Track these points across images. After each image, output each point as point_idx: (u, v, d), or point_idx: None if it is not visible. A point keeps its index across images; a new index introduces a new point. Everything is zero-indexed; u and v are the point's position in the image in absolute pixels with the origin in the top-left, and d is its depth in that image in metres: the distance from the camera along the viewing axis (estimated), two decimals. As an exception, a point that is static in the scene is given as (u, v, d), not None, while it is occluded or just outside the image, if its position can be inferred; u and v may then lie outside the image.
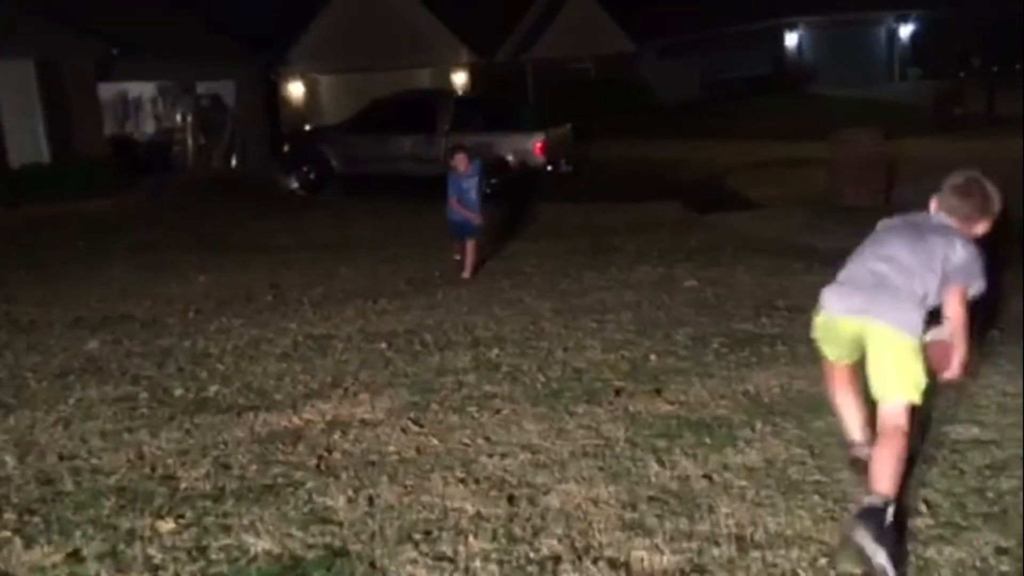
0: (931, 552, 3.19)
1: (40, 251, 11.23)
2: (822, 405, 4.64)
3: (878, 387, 3.34)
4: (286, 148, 18.40)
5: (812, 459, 4.02)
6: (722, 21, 33.97)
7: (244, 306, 7.69)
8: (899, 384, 3.29)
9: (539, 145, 15.09)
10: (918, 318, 3.31)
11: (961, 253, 3.38)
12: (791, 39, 35.15)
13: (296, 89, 27.55)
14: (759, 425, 4.43)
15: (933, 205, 3.65)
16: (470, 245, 8.70)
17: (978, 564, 3.10)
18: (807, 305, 6.64)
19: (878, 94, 28.96)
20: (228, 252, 10.47)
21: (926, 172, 12.06)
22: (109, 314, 7.56)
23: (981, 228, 3.58)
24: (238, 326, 7.00)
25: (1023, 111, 20.99)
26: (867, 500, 3.10)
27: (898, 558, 2.99)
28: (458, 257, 8.73)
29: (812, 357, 5.43)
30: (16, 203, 14.44)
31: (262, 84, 25.23)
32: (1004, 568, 3.07)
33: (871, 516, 3.01)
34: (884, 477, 3.12)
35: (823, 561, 3.16)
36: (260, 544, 3.48)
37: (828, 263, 8.08)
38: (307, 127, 22.31)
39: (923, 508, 3.51)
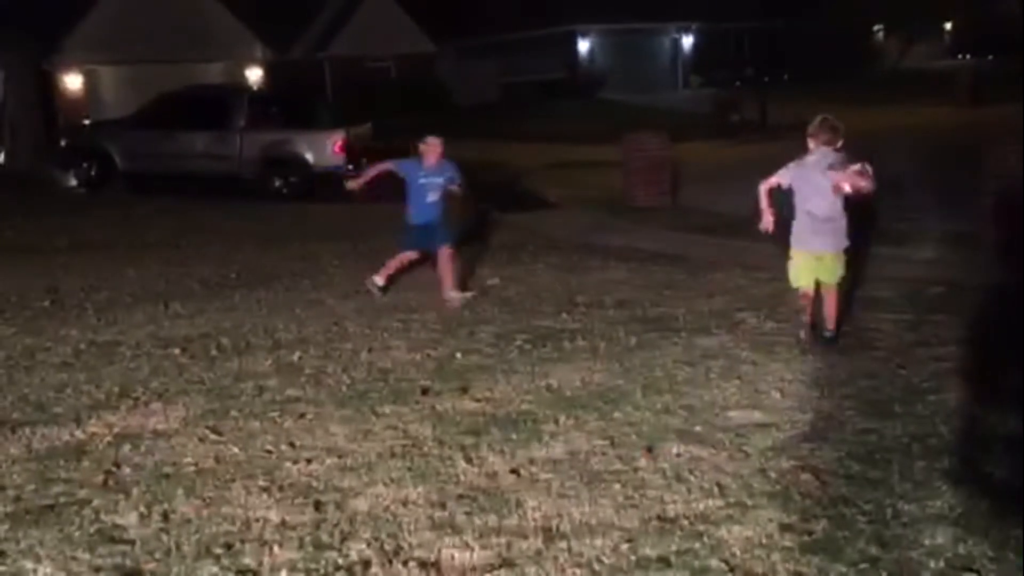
0: (722, 532, 3.37)
1: None
2: (621, 397, 4.85)
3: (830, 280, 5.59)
4: (64, 143, 17.15)
5: (612, 449, 4.16)
6: (518, 25, 34.72)
7: (17, 312, 7.09)
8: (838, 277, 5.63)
9: (339, 144, 14.83)
10: (845, 240, 5.63)
11: (842, 160, 5.52)
12: (583, 45, 36.42)
13: (73, 80, 25.70)
14: (562, 419, 4.54)
15: (812, 143, 5.83)
16: (444, 255, 7.05)
17: (764, 541, 3.31)
18: (605, 301, 6.95)
19: (663, 101, 30.53)
20: (-3, 255, 9.64)
21: (707, 175, 12.84)
22: None
23: (840, 142, 5.59)
24: (10, 334, 6.45)
25: (791, 119, 22.76)
26: (829, 332, 5.59)
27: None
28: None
29: (611, 352, 5.67)
30: None
31: (34, 74, 23.39)
32: (787, 543, 3.29)
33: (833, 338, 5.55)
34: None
35: (625, 547, 3.28)
36: (41, 569, 3.22)
37: (623, 260, 8.46)
38: (87, 121, 20.88)
39: (714, 490, 3.71)
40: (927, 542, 3.27)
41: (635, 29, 36.65)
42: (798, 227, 5.69)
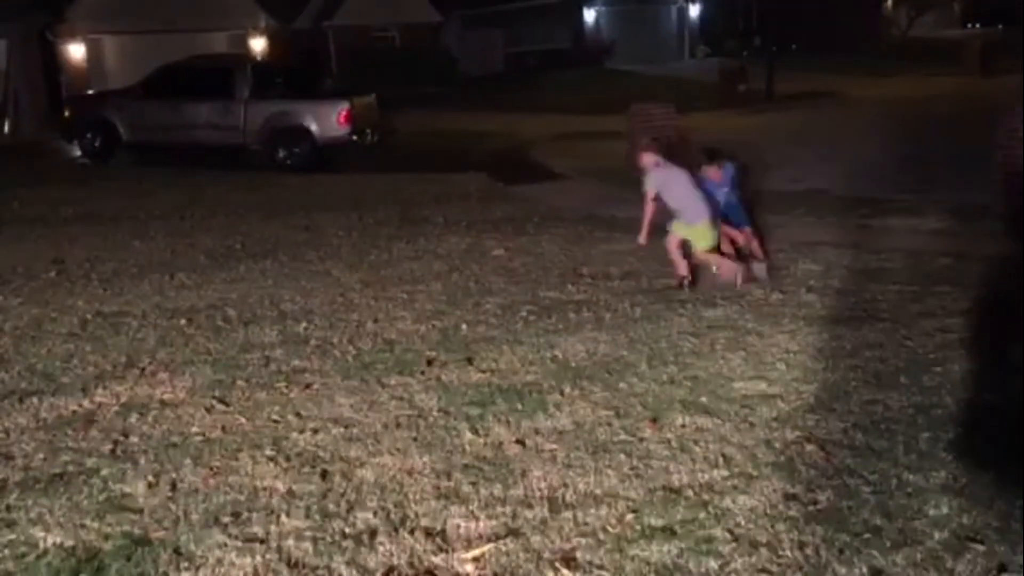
0: (727, 502, 3.39)
1: None
2: (626, 368, 4.85)
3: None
4: (67, 113, 17.10)
5: (618, 420, 4.17)
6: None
7: (23, 283, 7.11)
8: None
9: (344, 114, 14.77)
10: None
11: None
12: (589, 15, 36.12)
13: (77, 50, 25.58)
14: (567, 389, 4.55)
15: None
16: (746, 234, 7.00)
17: (769, 511, 3.33)
18: (610, 272, 6.94)
19: (670, 70, 30.34)
20: (2, 225, 9.64)
21: (712, 144, 12.77)
22: None
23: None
24: (16, 305, 6.47)
25: (798, 89, 22.58)
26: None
27: None
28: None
29: (616, 323, 5.67)
30: None
31: (37, 44, 23.29)
32: (792, 513, 3.30)
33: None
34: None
35: (630, 517, 3.29)
36: (50, 537, 3.24)
37: (629, 231, 8.42)
38: (91, 91, 20.80)
39: (719, 460, 3.72)
40: (931, 512, 3.28)
41: (642, -2, 36.37)
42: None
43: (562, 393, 4.51)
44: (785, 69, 23.34)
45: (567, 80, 28.33)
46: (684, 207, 6.40)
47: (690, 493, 3.46)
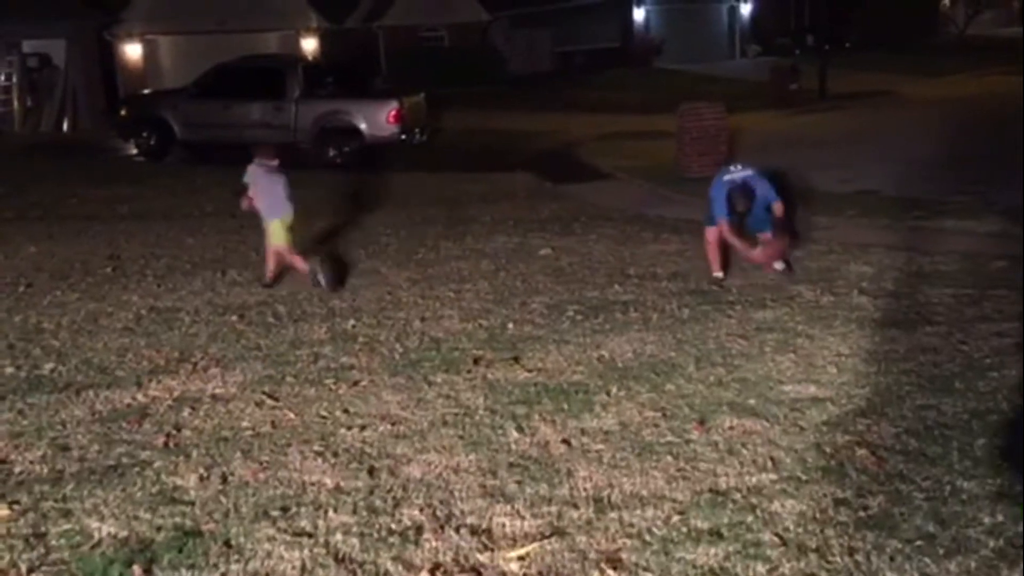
0: (775, 505, 3.35)
1: None
2: (673, 369, 4.82)
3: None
4: (124, 112, 17.44)
5: (664, 421, 4.15)
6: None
7: (80, 279, 7.27)
8: None
9: (393, 113, 14.87)
10: None
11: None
12: (639, 13, 35.92)
13: (133, 50, 26.09)
14: (614, 389, 4.54)
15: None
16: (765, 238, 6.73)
17: (818, 515, 3.28)
18: (658, 272, 6.90)
19: (720, 70, 30.04)
20: (61, 222, 9.86)
21: (764, 145, 12.64)
22: (-73, 289, 6.98)
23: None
24: (74, 300, 6.61)
25: (852, 88, 22.24)
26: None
27: None
28: (720, 275, 6.64)
29: (663, 323, 5.63)
30: None
31: (96, 44, 23.78)
32: (842, 518, 3.26)
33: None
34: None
35: (676, 519, 3.27)
36: (104, 528, 3.31)
37: (677, 231, 8.37)
38: (146, 91, 21.19)
39: (768, 464, 3.68)
40: (986, 520, 3.21)
41: (693, -3, 36.08)
42: None
43: (608, 393, 4.50)
44: (838, 68, 22.98)
45: (615, 79, 28.20)
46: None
47: (737, 496, 3.43)
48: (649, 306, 6.02)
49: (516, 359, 5.05)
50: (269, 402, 4.54)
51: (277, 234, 6.78)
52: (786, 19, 37.83)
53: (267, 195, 6.83)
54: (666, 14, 36.34)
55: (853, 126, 17.19)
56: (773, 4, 37.69)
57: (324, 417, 4.33)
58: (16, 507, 3.48)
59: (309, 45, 27.43)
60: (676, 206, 9.64)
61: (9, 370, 5.12)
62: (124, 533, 3.28)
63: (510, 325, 5.72)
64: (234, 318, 6.04)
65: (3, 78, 20.75)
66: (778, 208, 6.55)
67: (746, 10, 38.13)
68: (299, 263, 6.76)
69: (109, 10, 24.33)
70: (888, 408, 4.22)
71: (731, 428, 4.05)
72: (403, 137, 15.01)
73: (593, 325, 5.66)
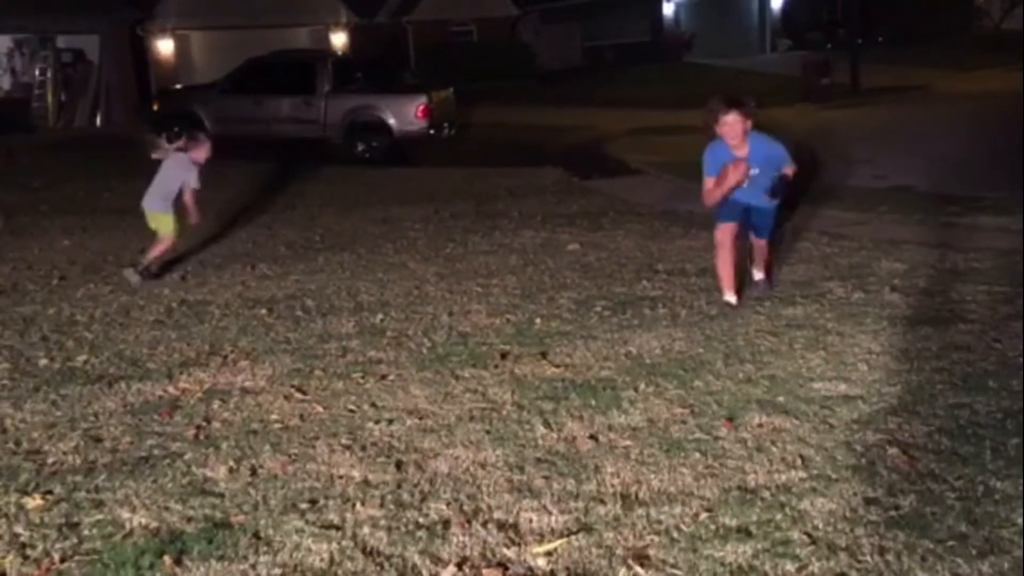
0: (804, 504, 3.32)
1: None
2: (701, 365, 4.79)
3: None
4: (156, 107, 17.62)
5: (693, 418, 4.12)
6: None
7: (113, 272, 7.35)
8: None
9: (421, 108, 14.91)
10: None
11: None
12: (668, 7, 35.72)
13: (165, 46, 26.33)
14: (642, 386, 4.52)
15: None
16: (759, 245, 6.15)
17: (848, 514, 3.25)
18: (687, 268, 6.86)
19: (750, 64, 29.81)
20: (94, 215, 9.99)
21: (795, 141, 12.53)
22: (-36, 281, 7.10)
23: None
24: (106, 292, 6.70)
25: (885, 82, 21.99)
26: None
27: None
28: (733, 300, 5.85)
29: (692, 319, 5.61)
30: None
31: (129, 40, 24.03)
32: (873, 517, 3.22)
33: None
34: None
35: (704, 516, 3.25)
36: (136, 518, 3.35)
37: (706, 227, 8.31)
38: (178, 86, 21.40)
39: (797, 462, 3.65)
40: (1020, 521, 3.16)
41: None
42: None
43: (636, 389, 4.48)
44: (871, 62, 22.73)
45: (645, 74, 28.08)
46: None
47: (766, 494, 3.41)
48: (677, 302, 5.99)
49: (543, 354, 5.04)
50: (298, 395, 4.57)
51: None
52: (818, 13, 37.43)
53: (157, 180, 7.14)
54: (696, 8, 36.14)
55: (886, 121, 17.00)
56: (804, -2, 37.33)
57: (352, 411, 4.35)
58: (49, 497, 3.53)
59: (339, 40, 27.58)
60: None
61: (43, 361, 5.19)
62: (155, 524, 3.31)
63: (538, 320, 5.71)
64: (263, 311, 6.09)
65: (38, 73, 21.04)
66: (790, 171, 5.64)
67: (777, 4, 37.79)
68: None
69: (142, 6, 24.56)
70: (920, 406, 4.16)
71: (760, 425, 4.02)
72: (431, 132, 15.06)
73: (621, 321, 5.65)
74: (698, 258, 7.16)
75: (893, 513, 3.24)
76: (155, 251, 7.06)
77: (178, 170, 7.12)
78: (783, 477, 3.53)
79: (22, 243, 8.60)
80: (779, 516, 3.24)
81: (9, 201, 11.15)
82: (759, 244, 6.16)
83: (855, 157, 11.68)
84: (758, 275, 6.21)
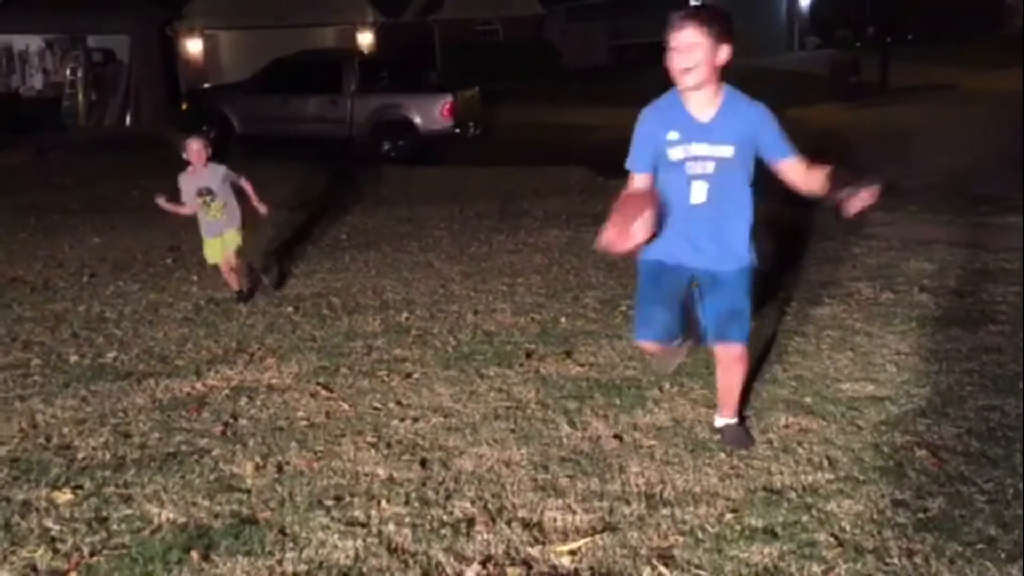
0: (831, 505, 3.30)
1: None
2: (727, 365, 4.76)
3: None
4: (184, 106, 17.77)
5: (718, 418, 4.10)
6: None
7: (142, 269, 7.43)
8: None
9: (447, 107, 14.94)
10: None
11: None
12: (695, 5, 35.56)
13: (194, 45, 26.54)
14: (667, 386, 4.50)
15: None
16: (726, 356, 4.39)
17: (875, 516, 3.22)
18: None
19: (778, 63, 29.63)
20: (123, 213, 10.08)
21: (821, 139, 12.44)
22: (-4, 278, 7.20)
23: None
24: (136, 290, 6.77)
25: (915, 81, 21.76)
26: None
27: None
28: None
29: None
30: None
31: (158, 39, 24.26)
32: (900, 520, 3.19)
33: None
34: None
35: (730, 516, 3.24)
36: (164, 514, 3.38)
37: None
38: (207, 85, 21.57)
39: (824, 463, 3.63)
40: (1048, 525, 3.13)
41: (749, -12, 35.54)
42: None
43: (661, 389, 4.47)
44: (900, 61, 22.52)
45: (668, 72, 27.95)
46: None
47: (792, 495, 3.39)
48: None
49: (568, 353, 5.04)
50: (324, 393, 4.59)
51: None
52: (846, 11, 37.13)
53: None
54: (723, 6, 35.88)
55: (916, 120, 16.84)
56: (833, -5, 37.05)
57: (377, 408, 4.37)
58: (79, 492, 3.57)
59: (365, 39, 27.69)
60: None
61: (74, 358, 5.25)
62: (183, 519, 3.34)
63: (563, 319, 5.71)
64: (290, 309, 6.12)
65: (69, 73, 21.28)
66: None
67: (805, 1, 37.53)
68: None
69: (171, 6, 24.79)
70: (949, 408, 4.12)
71: (786, 426, 4.00)
72: (457, 131, 15.08)
73: (646, 320, 5.62)
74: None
75: (921, 516, 3.22)
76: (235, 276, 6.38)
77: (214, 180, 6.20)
78: (810, 478, 3.51)
79: (53, 241, 8.71)
80: (805, 517, 3.22)
81: (41, 199, 11.29)
82: (726, 353, 3.66)
83: (884, 156, 11.56)
84: (725, 419, 3.85)
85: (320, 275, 7.10)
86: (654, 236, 3.35)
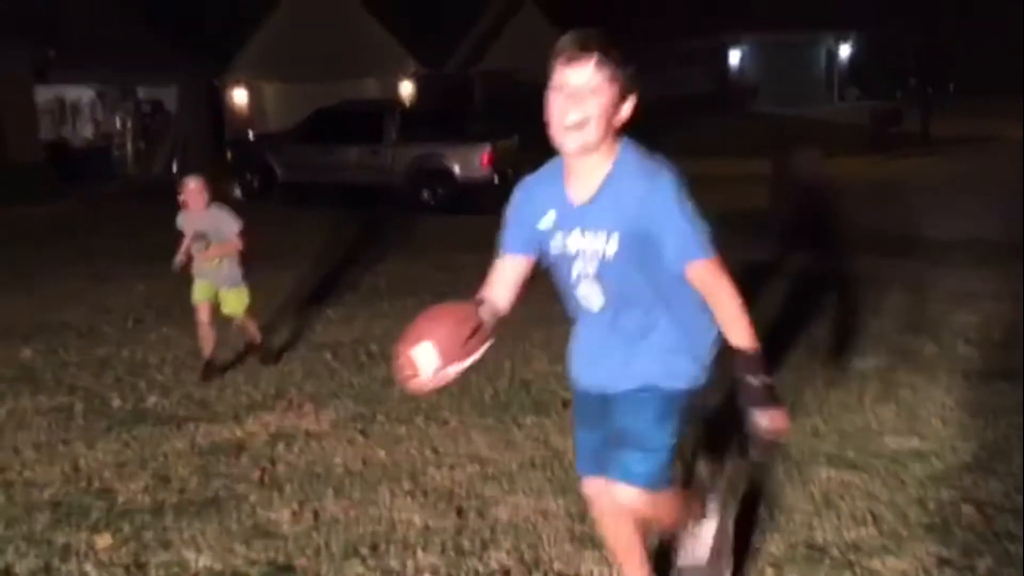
0: (875, 563, 3.23)
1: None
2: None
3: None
4: (229, 155, 18.15)
5: (758, 471, 4.04)
6: (666, 37, 34.45)
7: (184, 315, 7.51)
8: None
9: (486, 156, 15.10)
10: None
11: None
12: (734, 57, 35.74)
13: (240, 96, 27.20)
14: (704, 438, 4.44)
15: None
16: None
17: (921, 574, 3.15)
18: (752, 318, 6.74)
19: (818, 113, 29.59)
20: (169, 260, 10.24)
21: (863, 190, 12.37)
22: (43, 323, 7.34)
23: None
24: (177, 336, 6.86)
25: (957, 132, 21.60)
26: None
27: None
28: None
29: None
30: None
31: (205, 90, 24.88)
32: (946, 578, 3.12)
33: None
34: None
35: (770, 571, 3.18)
36: (201, 560, 3.39)
37: (771, 276, 8.22)
38: (251, 135, 22.03)
39: (867, 518, 3.55)
40: (1102, 586, 3.03)
41: (788, 40, 35.70)
42: None
43: (697, 441, 4.41)
44: (942, 111, 22.40)
45: (708, 123, 28.04)
46: None
47: (835, 551, 3.32)
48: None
49: (606, 403, 5.00)
50: (360, 440, 4.60)
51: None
52: (887, 62, 37.08)
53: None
54: (762, 57, 36.07)
55: (958, 171, 16.70)
56: (873, 46, 37.04)
57: (414, 456, 4.36)
58: (118, 535, 3.60)
59: (406, 89, 28.12)
60: (770, 251, 9.47)
61: (116, 402, 5.33)
62: (219, 566, 3.35)
63: (600, 369, 5.67)
64: (328, 356, 6.17)
65: (118, 123, 21.86)
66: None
67: (845, 52, 37.57)
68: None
69: (218, 58, 25.46)
70: (996, 463, 4.03)
71: (828, 480, 3.93)
72: (496, 179, 15.21)
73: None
74: (765, 307, 7.06)
75: (968, 574, 3.13)
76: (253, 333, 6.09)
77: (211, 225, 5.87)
78: (853, 534, 3.44)
79: (101, 287, 8.87)
80: (847, 575, 3.15)
81: (91, 246, 11.54)
82: (605, 496, 2.69)
83: (925, 208, 11.46)
84: (690, 559, 2.97)
85: (358, 321, 7.15)
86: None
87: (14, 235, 12.68)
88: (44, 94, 19.75)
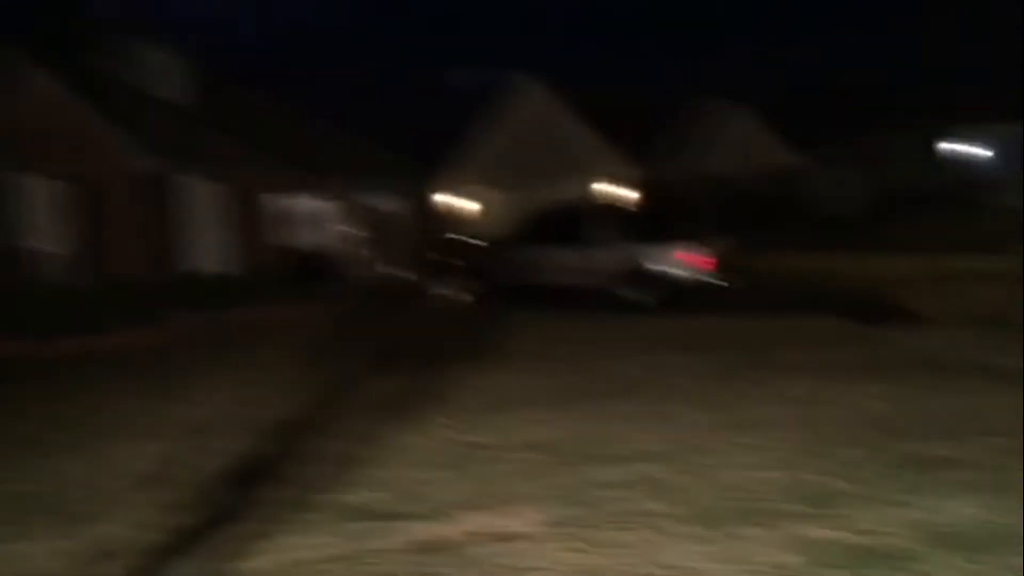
0: None
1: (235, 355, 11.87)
2: (1011, 538, 4.22)
3: None
4: (440, 256, 19.02)
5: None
6: (887, 129, 33.23)
7: (395, 412, 7.77)
8: None
9: (702, 258, 14.94)
10: None
11: None
12: (960, 146, 33.81)
13: (458, 203, 28.57)
14: (941, 556, 4.04)
15: None
16: None
17: None
18: (999, 428, 6.14)
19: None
20: (390, 357, 10.72)
21: None
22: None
23: None
24: (398, 434, 7.06)
25: None
26: None
27: None
28: None
29: (1001, 483, 4.99)
30: (200, 309, 15.40)
31: (427, 198, 26.36)
32: None
33: None
34: None
35: None
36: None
37: (1016, 383, 7.51)
38: (471, 239, 22.99)
39: None
40: None
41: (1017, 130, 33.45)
42: None
43: (937, 561, 4.02)
44: None
45: (935, 217, 26.49)
46: None
47: None
48: (987, 466, 5.37)
49: (830, 515, 4.67)
50: (573, 543, 4.51)
51: None
52: None
53: None
54: (995, 145, 33.96)
55: None
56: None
57: (629, 563, 4.22)
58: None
59: (619, 191, 28.54)
60: (1009, 356, 8.68)
61: (327, 495, 5.51)
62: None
63: (824, 478, 5.34)
64: (537, 455, 6.15)
65: (347, 228, 23.59)
66: None
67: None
68: None
69: (437, 167, 27.02)
70: None
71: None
72: (710, 280, 14.97)
73: (915, 482, 5.14)
74: (1008, 416, 6.44)
75: None
76: None
77: None
78: None
79: (320, 378, 9.35)
80: None
81: (320, 346, 12.27)
82: None
83: None
84: None
85: (567, 421, 7.11)
86: None
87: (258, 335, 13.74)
88: (283, 204, 21.75)
